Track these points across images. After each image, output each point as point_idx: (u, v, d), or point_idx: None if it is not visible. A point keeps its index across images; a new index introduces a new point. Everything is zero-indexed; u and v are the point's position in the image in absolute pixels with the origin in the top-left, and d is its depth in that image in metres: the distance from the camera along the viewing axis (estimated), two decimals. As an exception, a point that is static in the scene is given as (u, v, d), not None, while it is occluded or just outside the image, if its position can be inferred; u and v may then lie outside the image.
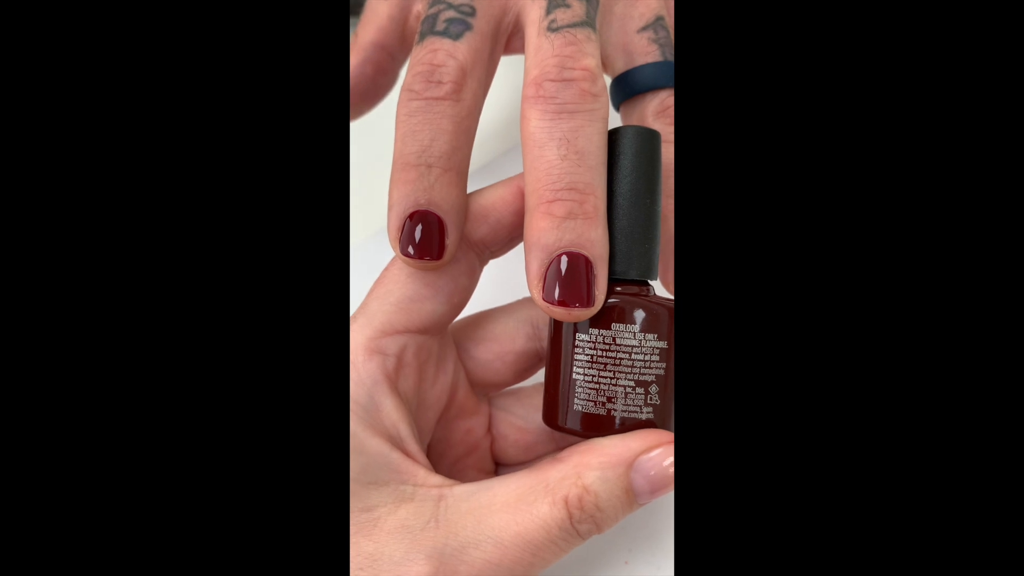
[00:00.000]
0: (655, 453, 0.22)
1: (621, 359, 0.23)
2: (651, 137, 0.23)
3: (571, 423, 0.23)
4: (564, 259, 0.22)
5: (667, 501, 0.33)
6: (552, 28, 0.23)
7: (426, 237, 0.23)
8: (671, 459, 0.22)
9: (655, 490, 0.22)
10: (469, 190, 0.25)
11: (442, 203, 0.23)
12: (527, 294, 0.24)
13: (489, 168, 0.40)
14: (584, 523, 0.21)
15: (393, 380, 0.23)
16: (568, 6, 0.24)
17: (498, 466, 0.29)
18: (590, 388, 0.23)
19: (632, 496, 0.22)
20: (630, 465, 0.22)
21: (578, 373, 0.23)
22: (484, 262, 0.26)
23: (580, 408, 0.23)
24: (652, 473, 0.22)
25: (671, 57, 0.27)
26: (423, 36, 0.25)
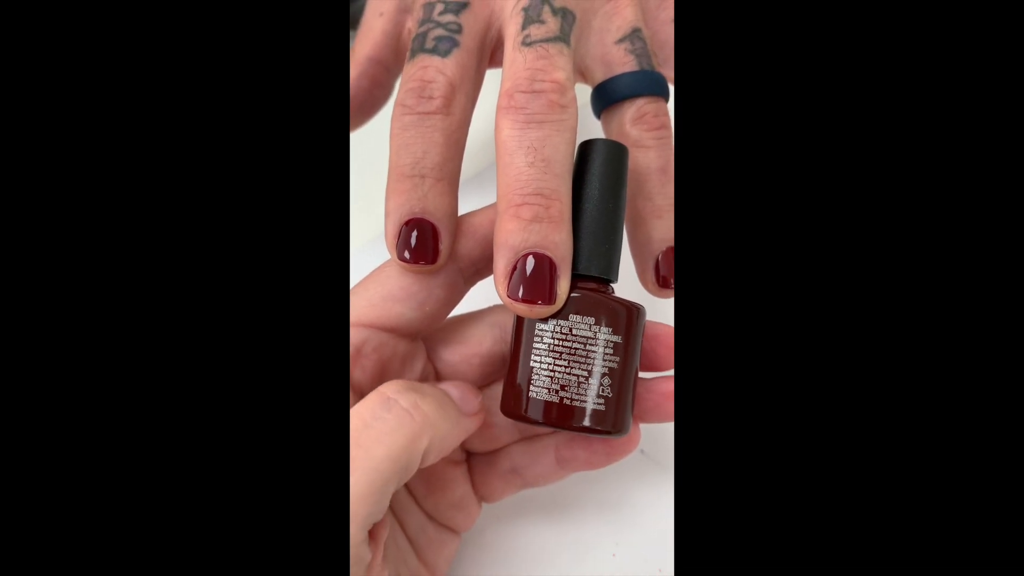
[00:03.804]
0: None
1: (576, 349, 0.24)
2: (619, 149, 0.25)
3: (526, 411, 0.24)
4: (530, 259, 0.23)
5: (654, 496, 0.33)
6: (526, 43, 0.25)
7: (421, 243, 0.24)
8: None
9: (460, 390, 0.26)
10: (461, 199, 0.26)
11: (435, 211, 0.25)
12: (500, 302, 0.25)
13: (480, 178, 0.41)
14: (403, 393, 0.23)
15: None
16: (542, 22, 0.25)
17: (469, 455, 0.30)
18: (546, 376, 0.24)
19: (443, 389, 0.25)
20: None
21: (536, 360, 0.24)
22: (469, 282, 0.27)
23: (535, 395, 0.24)
24: (449, 383, 0.26)
25: (648, 66, 0.28)
26: (414, 53, 0.26)
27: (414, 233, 0.24)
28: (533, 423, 0.25)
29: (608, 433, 0.24)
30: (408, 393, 0.23)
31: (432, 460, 0.24)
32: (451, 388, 0.25)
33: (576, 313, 0.24)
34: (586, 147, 0.26)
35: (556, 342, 0.24)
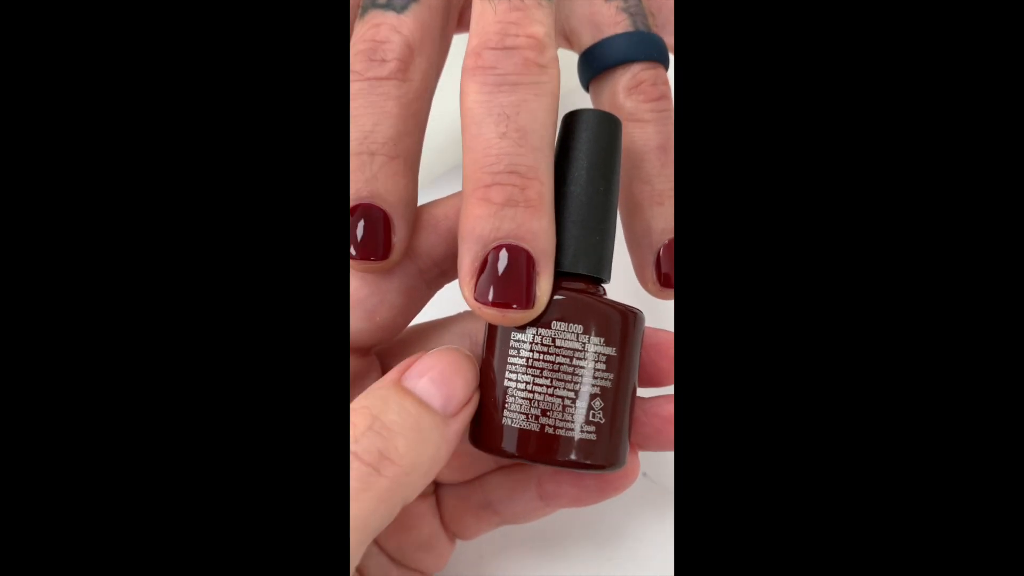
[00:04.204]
0: (422, 356, 0.20)
1: (560, 364, 0.20)
2: (610, 122, 0.22)
3: (500, 441, 0.20)
4: (502, 253, 0.19)
5: (659, 527, 0.30)
6: None
7: (369, 234, 0.21)
8: (443, 353, 0.20)
9: (445, 386, 0.20)
10: (436, 197, 0.23)
11: (387, 195, 0.21)
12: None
13: (454, 174, 0.37)
14: (361, 440, 0.18)
15: None
16: None
17: (438, 486, 0.26)
18: (523, 398, 0.20)
19: (418, 398, 0.19)
20: (401, 374, 0.20)
21: (511, 379, 0.20)
22: (432, 285, 0.23)
23: (510, 422, 0.20)
24: (430, 369, 0.20)
25: (643, 27, 0.24)
26: (365, 10, 0.22)
27: (361, 222, 0.20)
28: (508, 456, 0.21)
29: (600, 468, 0.20)
30: (370, 437, 0.18)
31: (415, 497, 0.19)
32: (429, 387, 0.20)
33: (560, 320, 0.20)
34: (571, 119, 0.22)
35: (536, 356, 0.20)
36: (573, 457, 0.20)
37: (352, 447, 0.18)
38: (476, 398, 0.21)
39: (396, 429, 0.18)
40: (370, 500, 0.17)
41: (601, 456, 0.20)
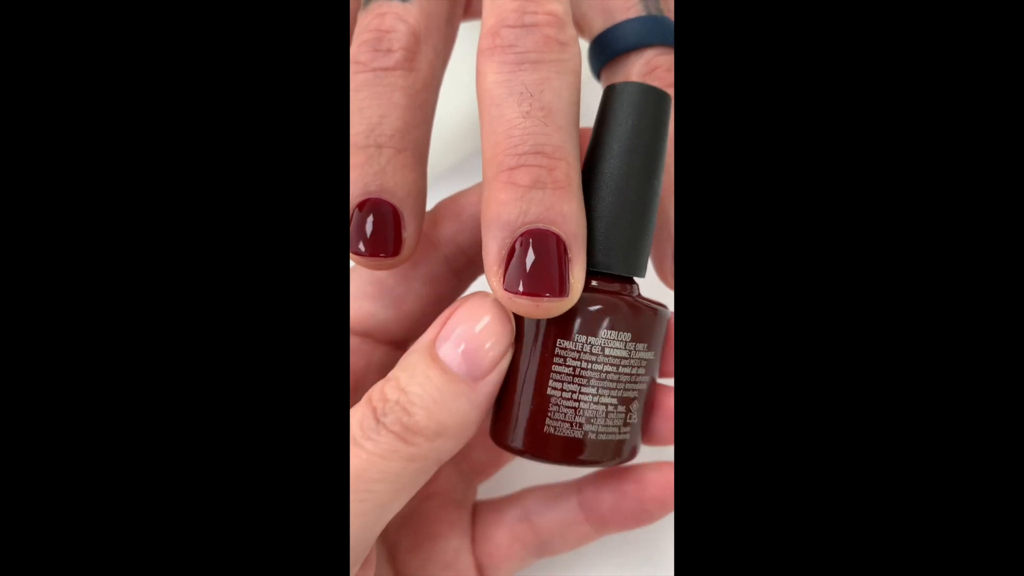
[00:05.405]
0: (455, 315, 0.19)
1: (607, 373, 0.19)
2: (658, 98, 0.20)
3: (537, 447, 0.20)
4: (532, 239, 0.18)
5: (659, 527, 0.29)
6: None
7: (379, 230, 0.20)
8: (484, 316, 0.19)
9: (471, 351, 0.19)
10: (444, 191, 0.23)
11: (396, 189, 0.20)
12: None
13: (467, 165, 0.36)
14: (390, 413, 0.18)
15: None
16: None
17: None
18: (567, 407, 0.19)
19: (444, 367, 0.19)
20: (433, 342, 0.19)
21: (555, 388, 0.19)
22: (460, 275, 0.22)
23: (553, 430, 0.19)
24: (458, 332, 0.19)
25: (656, 11, 0.23)
26: (368, 0, 0.21)
27: (370, 218, 0.19)
28: (543, 460, 0.20)
29: (626, 461, 0.21)
30: (378, 433, 0.18)
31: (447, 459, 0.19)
32: (449, 349, 0.19)
33: (612, 328, 0.19)
34: (611, 94, 0.20)
35: (583, 365, 0.19)
36: (610, 459, 0.20)
37: (379, 414, 0.18)
38: (510, 352, 0.20)
39: (416, 395, 0.18)
40: (373, 504, 0.18)
41: (628, 451, 0.21)
